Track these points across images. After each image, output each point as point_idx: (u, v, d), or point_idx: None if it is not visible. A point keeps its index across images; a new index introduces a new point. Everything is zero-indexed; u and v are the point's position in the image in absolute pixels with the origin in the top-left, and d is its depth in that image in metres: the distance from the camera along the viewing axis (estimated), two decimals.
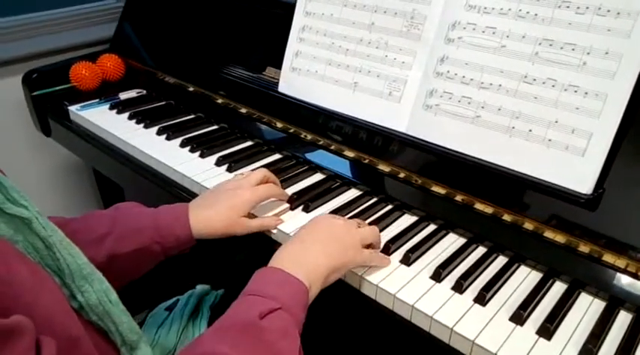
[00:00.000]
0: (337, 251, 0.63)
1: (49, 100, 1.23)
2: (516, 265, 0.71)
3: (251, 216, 0.76)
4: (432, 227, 0.79)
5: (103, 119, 1.12)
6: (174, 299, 0.86)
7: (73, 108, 1.17)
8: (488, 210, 0.74)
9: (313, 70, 0.92)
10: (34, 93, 1.23)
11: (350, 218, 0.78)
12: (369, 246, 0.70)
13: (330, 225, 0.67)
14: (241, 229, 0.73)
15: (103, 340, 0.49)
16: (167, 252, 0.69)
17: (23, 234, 0.44)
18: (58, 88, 1.24)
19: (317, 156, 0.94)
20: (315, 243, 0.63)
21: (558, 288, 0.67)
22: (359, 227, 0.69)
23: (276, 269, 0.59)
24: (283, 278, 0.58)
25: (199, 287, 0.88)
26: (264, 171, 0.81)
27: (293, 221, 0.79)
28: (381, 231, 0.77)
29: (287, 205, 0.82)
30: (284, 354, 0.52)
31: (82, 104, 1.19)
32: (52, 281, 0.45)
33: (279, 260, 0.61)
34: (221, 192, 0.75)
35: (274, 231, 0.78)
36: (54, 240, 0.45)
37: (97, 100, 1.21)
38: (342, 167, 0.90)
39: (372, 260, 0.68)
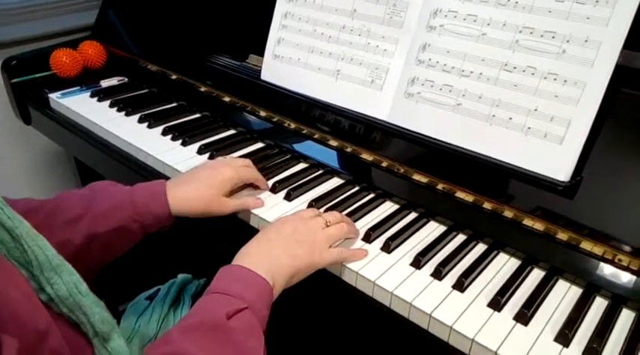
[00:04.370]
0: (301, 252, 0.64)
1: (29, 88, 1.21)
2: (495, 252, 0.71)
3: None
4: (413, 215, 0.79)
5: (83, 107, 1.10)
6: (155, 288, 0.86)
7: (53, 95, 1.15)
8: (469, 198, 0.74)
9: (296, 57, 0.91)
10: (14, 81, 1.20)
11: (330, 207, 0.78)
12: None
13: (295, 226, 0.66)
14: (220, 208, 0.72)
15: (74, 332, 0.48)
16: (146, 230, 0.69)
17: None
18: (38, 75, 1.22)
19: (300, 145, 0.93)
20: (280, 243, 0.63)
21: (536, 275, 0.68)
22: (327, 225, 0.68)
23: (242, 268, 0.59)
24: (249, 276, 0.58)
25: (181, 277, 0.87)
26: (248, 161, 0.81)
27: (275, 209, 0.79)
28: (362, 218, 0.78)
29: (268, 192, 0.82)
30: (251, 354, 0.52)
31: (63, 91, 1.17)
32: (19, 274, 0.44)
33: (244, 257, 0.61)
34: (201, 170, 0.74)
35: (255, 217, 0.78)
36: (20, 231, 0.44)
37: (78, 88, 1.19)
38: (326, 156, 0.90)
39: (344, 258, 0.68)
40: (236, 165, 0.77)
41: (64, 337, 0.44)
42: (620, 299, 0.63)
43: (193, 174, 0.74)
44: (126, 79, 1.25)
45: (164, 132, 1.00)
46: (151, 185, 0.70)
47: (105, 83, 1.22)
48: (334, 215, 0.71)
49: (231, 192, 0.77)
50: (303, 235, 0.65)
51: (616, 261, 0.64)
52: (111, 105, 1.11)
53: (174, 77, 1.16)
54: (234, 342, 0.52)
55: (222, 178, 0.73)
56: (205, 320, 0.53)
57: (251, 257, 0.61)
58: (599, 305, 0.64)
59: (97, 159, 1.10)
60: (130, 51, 1.26)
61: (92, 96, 1.15)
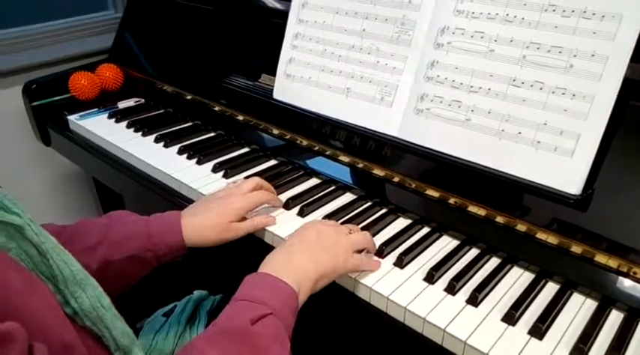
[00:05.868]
0: (325, 257, 0.64)
1: (49, 110, 1.25)
2: (509, 266, 0.72)
3: (243, 219, 0.77)
4: (425, 229, 0.79)
5: (101, 128, 1.13)
6: (171, 305, 0.87)
7: (72, 117, 1.19)
8: (481, 212, 0.74)
9: (307, 76, 0.93)
10: (34, 104, 1.24)
11: (344, 222, 0.79)
12: (362, 251, 0.70)
13: (319, 231, 0.67)
14: (233, 234, 0.74)
15: (96, 345, 0.49)
16: (159, 260, 0.70)
17: (16, 241, 0.45)
18: (57, 98, 1.26)
19: (313, 162, 0.95)
20: (303, 249, 0.64)
21: (550, 289, 0.68)
22: (350, 233, 0.69)
23: (266, 275, 0.60)
24: (273, 283, 0.59)
25: (197, 293, 0.89)
26: (257, 179, 0.82)
27: (288, 225, 0.80)
28: (375, 234, 0.78)
29: (282, 209, 0.83)
30: None
31: (81, 113, 1.20)
32: (45, 287, 0.46)
33: (268, 265, 0.62)
34: (212, 201, 0.76)
35: (269, 234, 0.79)
36: (47, 246, 0.46)
37: (96, 109, 1.22)
38: (338, 172, 0.91)
39: (363, 265, 0.68)
40: (245, 193, 0.77)
41: (87, 349, 0.45)
42: (636, 312, 0.63)
43: (205, 205, 0.75)
44: (142, 100, 1.28)
45: (180, 151, 1.02)
46: (166, 216, 0.72)
47: (122, 104, 1.25)
48: (354, 226, 0.73)
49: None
50: (327, 240, 0.66)
51: (631, 273, 0.63)
52: (128, 126, 1.14)
53: (189, 97, 1.19)
54: (259, 347, 0.53)
55: (232, 207, 0.74)
56: (230, 327, 0.54)
57: (275, 264, 0.62)
58: (614, 318, 0.63)
59: (114, 179, 1.13)
60: (147, 72, 1.29)
61: (110, 117, 1.18)
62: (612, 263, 0.64)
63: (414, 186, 0.81)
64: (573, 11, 0.66)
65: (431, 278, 0.68)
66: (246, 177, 0.90)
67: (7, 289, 0.40)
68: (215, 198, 0.77)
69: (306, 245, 0.65)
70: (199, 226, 0.72)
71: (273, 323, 0.55)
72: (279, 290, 0.58)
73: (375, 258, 0.73)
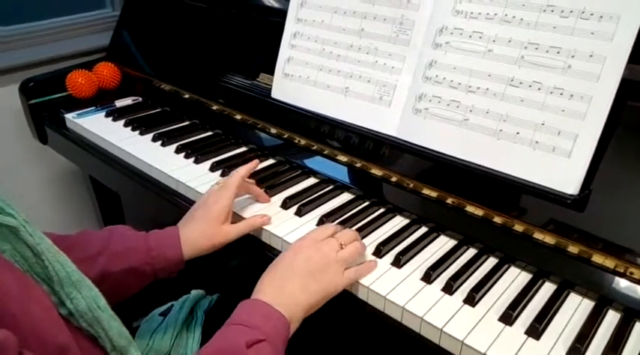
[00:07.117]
0: (317, 287, 0.64)
1: (46, 108, 1.24)
2: (506, 266, 0.72)
3: (237, 221, 0.77)
4: (423, 229, 0.79)
5: (99, 126, 1.13)
6: (168, 304, 0.87)
7: (69, 115, 1.18)
8: (479, 212, 0.74)
9: (305, 75, 0.93)
10: (31, 102, 1.23)
11: (340, 223, 0.79)
12: None
13: (309, 258, 0.65)
14: (223, 238, 0.74)
15: (92, 346, 0.49)
16: (157, 274, 0.71)
17: (11, 243, 0.45)
18: (54, 96, 1.25)
19: (310, 161, 0.95)
20: (294, 278, 0.63)
21: (547, 289, 0.68)
22: (341, 246, 0.67)
23: (261, 302, 0.60)
24: (267, 311, 0.59)
25: (194, 293, 0.88)
26: (238, 177, 0.79)
27: (286, 224, 0.80)
28: (372, 233, 0.78)
29: (279, 208, 0.83)
30: None
31: (79, 112, 1.20)
32: (40, 289, 0.45)
33: (262, 292, 0.62)
34: (196, 209, 0.77)
35: (266, 233, 0.79)
36: (42, 247, 0.46)
37: (93, 108, 1.22)
38: (335, 171, 0.91)
39: (357, 278, 0.68)
40: (224, 186, 0.77)
41: (82, 350, 0.45)
42: (632, 312, 0.63)
43: (192, 215, 0.76)
44: (140, 99, 1.28)
45: (177, 150, 1.02)
46: (164, 231, 0.73)
47: (119, 103, 1.25)
48: (348, 234, 0.70)
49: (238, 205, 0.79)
50: (317, 264, 0.65)
51: (628, 273, 0.63)
52: (125, 125, 1.13)
53: (186, 96, 1.18)
54: None
55: (215, 209, 0.74)
56: (226, 348, 0.55)
57: (269, 293, 0.62)
58: (611, 318, 0.63)
59: (112, 178, 1.12)
60: (144, 71, 1.29)
61: (107, 115, 1.18)
62: (609, 263, 0.65)
63: (411, 185, 0.81)
64: (572, 12, 0.66)
65: (428, 277, 0.68)
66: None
67: (4, 293, 0.39)
68: (198, 205, 0.77)
69: (297, 272, 0.64)
70: (191, 237, 0.73)
71: (266, 349, 0.56)
72: (273, 319, 0.59)
73: (373, 258, 0.73)
